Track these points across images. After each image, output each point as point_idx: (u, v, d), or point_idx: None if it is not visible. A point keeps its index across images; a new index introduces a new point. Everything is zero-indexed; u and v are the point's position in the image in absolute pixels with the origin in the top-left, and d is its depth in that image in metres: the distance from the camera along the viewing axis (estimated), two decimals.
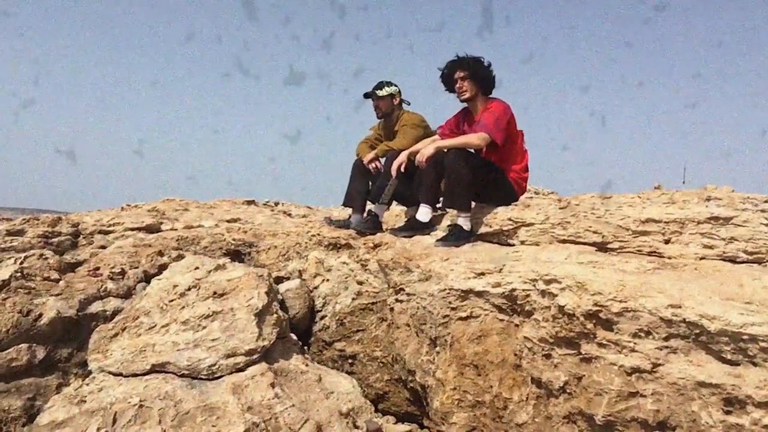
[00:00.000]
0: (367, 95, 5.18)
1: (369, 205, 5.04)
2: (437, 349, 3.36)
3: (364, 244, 4.41)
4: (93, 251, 4.78)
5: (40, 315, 3.58)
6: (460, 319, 3.28)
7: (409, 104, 5.20)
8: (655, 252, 3.48)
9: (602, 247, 3.63)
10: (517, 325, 3.08)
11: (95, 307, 3.85)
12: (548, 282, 2.89)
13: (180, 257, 4.90)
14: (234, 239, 5.46)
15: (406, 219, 5.11)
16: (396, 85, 5.12)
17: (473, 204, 4.20)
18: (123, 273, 4.27)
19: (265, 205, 9.35)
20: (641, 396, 2.48)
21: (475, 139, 4.08)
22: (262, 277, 3.72)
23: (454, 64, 4.29)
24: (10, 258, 4.14)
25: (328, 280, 4.44)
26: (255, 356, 3.20)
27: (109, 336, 3.49)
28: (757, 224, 3.46)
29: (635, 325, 2.54)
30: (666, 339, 2.48)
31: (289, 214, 8.57)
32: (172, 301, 3.51)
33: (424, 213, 4.42)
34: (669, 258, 3.41)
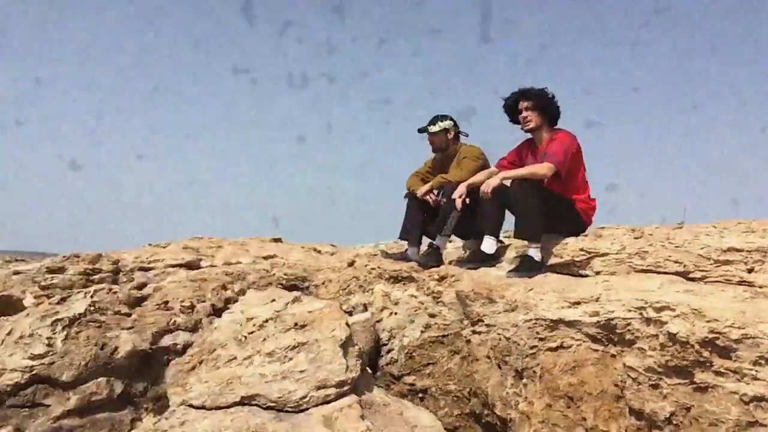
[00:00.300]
0: (421, 130, 5.17)
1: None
2: (524, 381, 3.29)
3: (430, 276, 4.37)
4: (157, 286, 4.75)
5: (116, 348, 3.53)
6: (550, 349, 3.21)
7: (467, 136, 5.19)
8: (743, 281, 3.41)
9: (684, 276, 3.58)
10: (613, 355, 3.02)
11: (167, 341, 3.80)
12: (659, 309, 2.83)
13: (242, 291, 4.88)
14: (286, 274, 5.42)
15: (465, 251, 5.08)
16: (451, 119, 5.10)
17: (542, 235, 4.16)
18: (192, 307, 4.23)
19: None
20: (760, 425, 2.41)
21: (540, 169, 4.07)
22: (341, 310, 3.68)
23: (518, 94, 4.30)
24: (79, 292, 4.12)
25: (396, 313, 4.38)
26: (345, 388, 3.13)
27: (186, 369, 3.43)
28: None
29: (756, 353, 2.47)
30: None
31: (319, 251, 8.53)
32: (251, 333, 3.46)
33: (488, 245, 4.38)
34: (760, 287, 3.34)
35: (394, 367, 4.09)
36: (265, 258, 6.76)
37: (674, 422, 2.65)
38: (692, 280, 3.53)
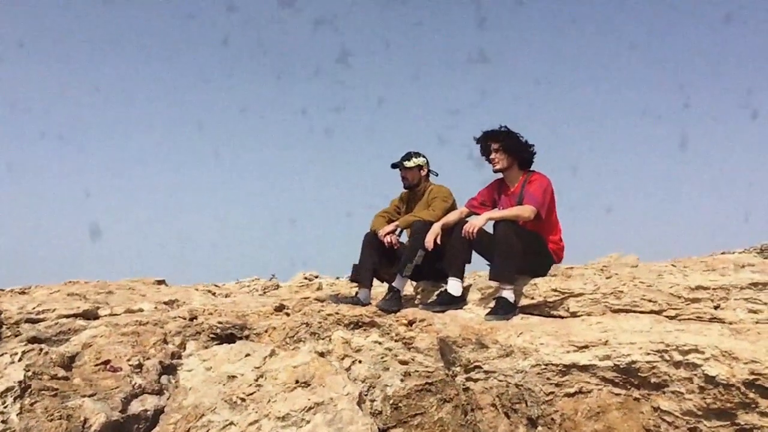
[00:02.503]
0: (394, 165, 5.08)
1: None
2: (539, 429, 3.23)
3: (397, 321, 4.22)
4: (85, 342, 4.15)
5: (86, 420, 3.02)
6: (567, 395, 3.20)
7: (437, 175, 5.15)
8: (714, 318, 3.62)
9: (658, 314, 3.74)
10: (636, 399, 3.05)
11: (135, 407, 3.32)
12: (685, 353, 2.91)
13: (183, 345, 4.43)
14: (220, 322, 4.99)
15: (416, 294, 4.99)
16: (424, 156, 5.07)
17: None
18: (140, 366, 3.74)
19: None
20: None
21: (524, 211, 4.10)
22: (330, 363, 3.42)
23: (487, 135, 4.33)
24: (4, 354, 3.49)
25: (360, 361, 4.15)
26: None
27: None
28: None
29: None
30: None
31: (213, 293, 8.04)
32: (250, 394, 3.11)
33: (455, 286, 4.34)
34: (731, 323, 3.55)
35: (379, 420, 3.87)
36: (167, 303, 6.22)
37: None
38: (668, 318, 3.71)
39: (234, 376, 3.29)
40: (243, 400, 3.09)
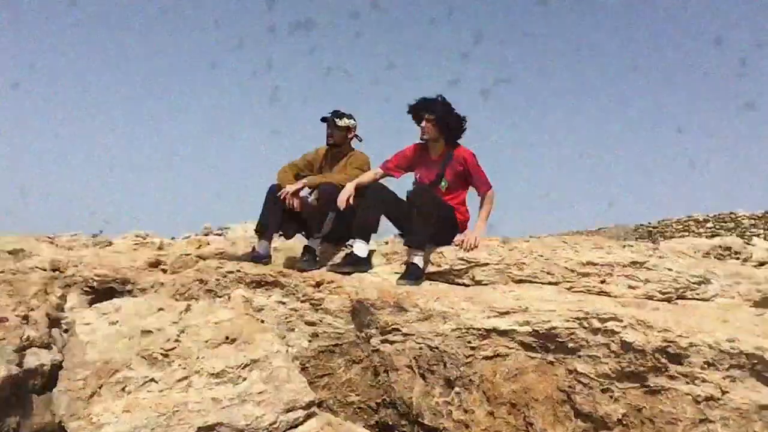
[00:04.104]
0: (324, 119, 4.87)
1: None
2: (456, 389, 3.35)
3: (305, 281, 4.15)
4: None
5: None
6: (486, 358, 3.33)
7: (361, 141, 5.02)
8: (603, 292, 3.95)
9: (555, 286, 4.01)
10: (551, 362, 3.25)
11: (31, 362, 2.99)
12: (604, 320, 3.14)
13: (63, 297, 4.06)
14: (98, 275, 4.61)
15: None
16: (355, 120, 4.93)
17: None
18: (27, 317, 3.37)
19: None
20: (710, 422, 2.85)
21: (492, 202, 4.43)
22: (255, 320, 3.30)
23: (424, 104, 4.31)
24: None
25: (263, 321, 4.04)
26: (313, 408, 2.83)
27: (84, 398, 2.76)
28: (662, 268, 4.13)
29: (702, 358, 2.91)
30: (727, 369, 2.90)
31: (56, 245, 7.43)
32: (172, 349, 2.91)
33: (362, 248, 4.33)
34: (616, 297, 3.90)
35: None
36: (11, 252, 5.64)
37: (624, 423, 2.99)
38: (563, 290, 3.99)
39: (149, 331, 3.06)
40: (165, 356, 2.88)
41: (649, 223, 22.91)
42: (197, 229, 15.35)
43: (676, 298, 4.02)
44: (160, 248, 8.54)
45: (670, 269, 4.09)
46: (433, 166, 4.39)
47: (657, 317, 3.18)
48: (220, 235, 13.33)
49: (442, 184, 4.45)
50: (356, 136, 5.02)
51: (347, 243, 4.77)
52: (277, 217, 4.61)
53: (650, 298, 3.94)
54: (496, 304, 3.48)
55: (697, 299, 4.08)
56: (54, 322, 3.52)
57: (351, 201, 4.32)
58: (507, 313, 3.42)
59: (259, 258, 4.47)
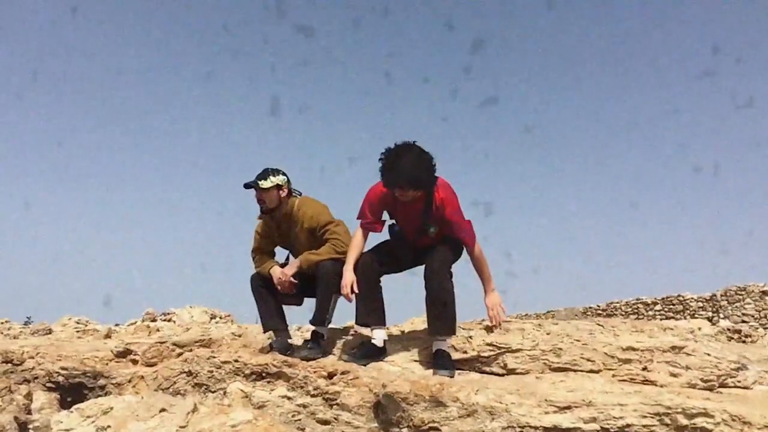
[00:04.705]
0: (248, 186, 4.17)
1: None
2: None
3: (316, 372, 3.61)
4: None
5: None
6: None
7: (300, 194, 4.34)
8: (647, 380, 3.56)
9: (595, 374, 3.61)
10: None
11: None
12: (692, 416, 2.73)
13: (29, 395, 3.39)
14: (64, 368, 3.94)
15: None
16: (284, 174, 4.24)
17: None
18: None
19: None
20: None
21: (482, 255, 3.89)
22: (276, 422, 2.74)
23: (411, 181, 3.60)
24: None
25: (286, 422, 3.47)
26: None
27: None
28: (702, 353, 3.80)
29: None
30: None
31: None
32: None
33: (380, 337, 3.85)
34: (662, 386, 3.52)
35: None
36: None
37: None
38: (615, 379, 3.58)
39: None
40: None
41: (598, 305, 22.99)
42: (136, 316, 14.38)
43: (719, 386, 3.66)
44: (107, 336, 7.80)
45: (708, 354, 3.75)
46: (412, 213, 3.83)
47: (741, 410, 2.80)
48: (169, 320, 12.52)
49: (431, 230, 3.84)
50: (292, 190, 4.31)
51: (355, 328, 4.28)
52: (274, 308, 4.23)
53: (693, 386, 3.57)
54: (553, 398, 3.03)
55: (739, 387, 3.73)
56: (22, 427, 2.87)
57: (356, 289, 3.80)
58: (568, 407, 2.97)
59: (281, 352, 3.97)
